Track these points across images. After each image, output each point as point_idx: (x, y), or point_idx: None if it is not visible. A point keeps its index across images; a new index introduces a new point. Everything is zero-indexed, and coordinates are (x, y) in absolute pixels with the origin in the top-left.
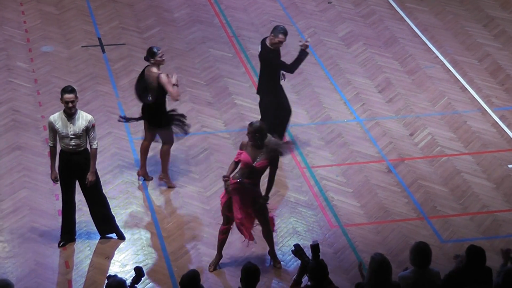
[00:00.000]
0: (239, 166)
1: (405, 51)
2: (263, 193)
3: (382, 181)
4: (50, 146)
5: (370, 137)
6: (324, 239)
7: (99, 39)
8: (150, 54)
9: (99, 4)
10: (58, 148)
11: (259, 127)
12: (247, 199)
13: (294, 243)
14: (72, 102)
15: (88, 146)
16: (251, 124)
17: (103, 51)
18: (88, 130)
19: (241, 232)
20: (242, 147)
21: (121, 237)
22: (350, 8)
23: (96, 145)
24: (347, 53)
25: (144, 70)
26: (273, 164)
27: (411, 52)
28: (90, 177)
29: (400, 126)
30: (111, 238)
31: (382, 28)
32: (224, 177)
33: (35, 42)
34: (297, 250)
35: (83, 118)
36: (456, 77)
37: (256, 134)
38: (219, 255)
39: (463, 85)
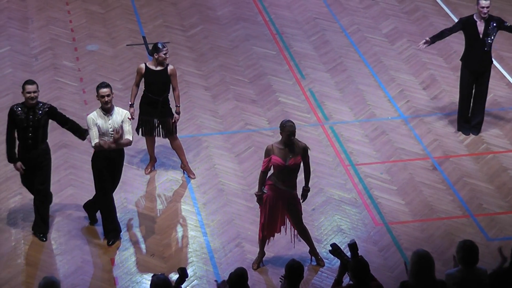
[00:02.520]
0: (272, 171)
1: (450, 47)
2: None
3: (427, 178)
4: (95, 145)
5: (414, 134)
6: (368, 237)
7: (144, 37)
8: (154, 49)
9: (143, 2)
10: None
11: (294, 125)
12: (281, 202)
13: (338, 240)
14: (108, 96)
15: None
16: (289, 124)
17: (148, 49)
18: (123, 122)
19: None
20: (268, 152)
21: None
22: (394, 4)
23: (131, 138)
24: (391, 50)
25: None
26: (305, 156)
27: (455, 48)
28: (118, 135)
29: (445, 123)
30: (156, 233)
31: (426, 24)
32: (256, 194)
33: (81, 41)
34: (335, 250)
35: (118, 113)
36: (502, 73)
37: (294, 133)
38: (262, 253)
39: (510, 81)
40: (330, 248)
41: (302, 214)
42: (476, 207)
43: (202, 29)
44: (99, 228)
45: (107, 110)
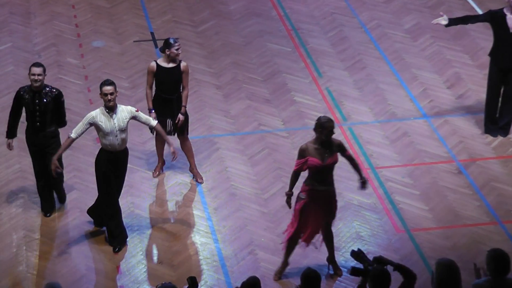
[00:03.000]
0: (308, 174)
1: (476, 44)
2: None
3: (451, 182)
4: (71, 137)
5: (438, 136)
6: (389, 244)
7: (152, 33)
8: (166, 45)
9: None
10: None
11: (334, 123)
12: (320, 203)
13: (357, 248)
14: (111, 94)
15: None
16: (329, 122)
17: (156, 46)
18: (136, 117)
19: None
20: (302, 153)
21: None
22: None
23: (154, 121)
24: (413, 46)
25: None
26: (344, 151)
27: (482, 45)
28: (173, 148)
29: (471, 124)
30: (164, 240)
31: None
32: (287, 193)
33: (86, 37)
34: (357, 254)
35: (123, 110)
36: None
37: (333, 132)
38: (286, 263)
39: None
40: (355, 250)
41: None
42: (504, 213)
43: (213, 24)
44: (104, 234)
45: (110, 109)
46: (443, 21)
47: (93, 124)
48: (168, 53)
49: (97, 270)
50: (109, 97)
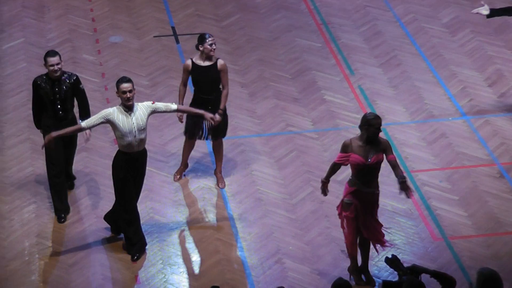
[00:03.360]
0: (351, 172)
1: None
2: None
3: (493, 187)
4: (81, 125)
5: (478, 137)
6: (426, 253)
7: (173, 28)
8: (199, 40)
9: None
10: (98, 146)
11: (381, 120)
12: (364, 206)
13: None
14: (130, 92)
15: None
16: (376, 119)
17: (177, 41)
18: (155, 110)
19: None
20: (345, 148)
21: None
22: None
23: (174, 104)
24: (452, 41)
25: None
26: (390, 153)
27: None
28: (208, 115)
29: None
30: (184, 247)
31: None
32: (322, 180)
33: (103, 32)
34: (393, 261)
35: (141, 108)
36: None
37: (380, 128)
38: (356, 265)
39: None
40: (389, 256)
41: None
42: None
43: (239, 18)
44: (122, 241)
45: (128, 108)
46: (484, 11)
47: (108, 121)
48: (201, 49)
49: (114, 280)
50: (128, 95)
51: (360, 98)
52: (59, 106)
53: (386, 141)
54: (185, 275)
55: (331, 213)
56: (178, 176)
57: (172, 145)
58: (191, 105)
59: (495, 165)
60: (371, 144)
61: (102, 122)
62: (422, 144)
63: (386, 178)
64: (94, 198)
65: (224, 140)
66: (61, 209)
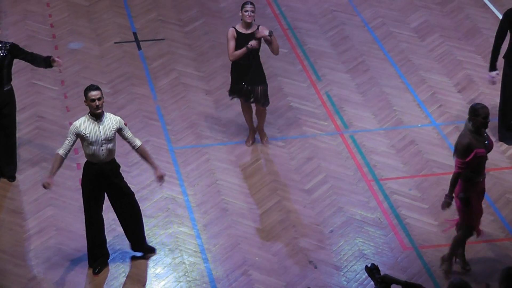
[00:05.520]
0: (476, 163)
1: (489, 43)
2: None
3: None
4: (59, 154)
5: (448, 144)
6: (395, 263)
7: (135, 33)
8: (241, 7)
9: None
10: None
11: (487, 107)
12: (480, 195)
13: (360, 268)
14: (99, 99)
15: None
16: (483, 107)
17: (139, 47)
18: (122, 130)
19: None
20: (468, 147)
21: (152, 251)
22: None
23: (139, 141)
24: (421, 46)
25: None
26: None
27: None
28: (160, 172)
29: None
30: (147, 259)
31: (462, 17)
32: (448, 198)
33: (62, 38)
34: (371, 269)
35: (111, 119)
36: None
37: (488, 117)
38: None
39: None
40: (369, 265)
41: None
42: None
43: (203, 23)
44: (84, 255)
45: (97, 116)
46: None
47: (78, 135)
48: (241, 15)
49: None
50: (96, 102)
51: (328, 105)
52: None
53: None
54: None
55: (298, 223)
56: (250, 142)
57: (135, 155)
58: (232, 72)
59: None
60: (481, 133)
61: (75, 140)
62: (391, 151)
63: (354, 186)
64: (54, 210)
65: (188, 149)
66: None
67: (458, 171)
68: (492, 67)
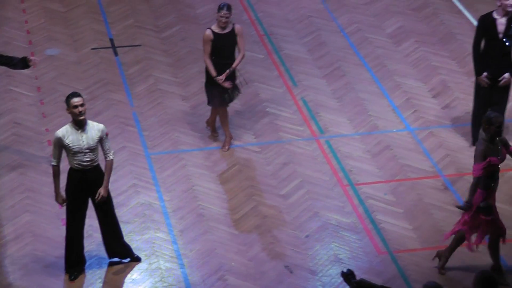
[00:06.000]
0: (486, 174)
1: (464, 49)
2: None
3: (437, 199)
4: (53, 165)
5: (423, 149)
6: (370, 267)
7: (111, 40)
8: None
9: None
10: (64, 167)
11: (501, 116)
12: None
13: (336, 272)
14: (81, 105)
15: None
16: (497, 116)
17: (116, 53)
18: (102, 140)
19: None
20: (484, 154)
21: (137, 259)
22: (400, 0)
23: (112, 156)
24: (396, 52)
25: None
26: (509, 147)
27: (471, 50)
28: (103, 191)
29: (458, 136)
30: (123, 264)
31: (437, 22)
32: (466, 204)
33: (39, 44)
34: (347, 275)
35: (94, 128)
36: None
37: (501, 126)
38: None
39: None
40: (345, 271)
41: None
42: None
43: (179, 29)
44: (60, 261)
45: (80, 124)
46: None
47: (62, 145)
48: (216, 18)
49: None
50: (79, 109)
51: (303, 110)
52: None
53: (503, 136)
54: None
55: (274, 228)
56: (227, 147)
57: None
58: (207, 70)
59: (439, 177)
60: (495, 142)
61: (61, 150)
62: (366, 156)
63: (330, 191)
64: (31, 216)
65: (165, 155)
66: None
67: (477, 175)
68: (479, 72)
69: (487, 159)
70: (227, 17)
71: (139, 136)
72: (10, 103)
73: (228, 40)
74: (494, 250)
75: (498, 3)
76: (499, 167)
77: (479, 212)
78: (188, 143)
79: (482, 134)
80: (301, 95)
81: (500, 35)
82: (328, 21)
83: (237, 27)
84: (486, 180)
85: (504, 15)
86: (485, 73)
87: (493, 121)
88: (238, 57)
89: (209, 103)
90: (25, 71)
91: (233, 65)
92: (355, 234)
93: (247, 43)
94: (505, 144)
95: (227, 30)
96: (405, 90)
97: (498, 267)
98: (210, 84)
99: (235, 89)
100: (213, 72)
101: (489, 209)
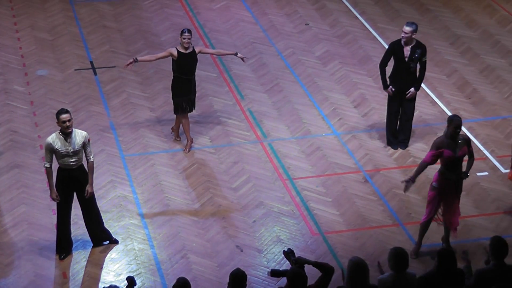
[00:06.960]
0: (441, 164)
1: (378, 68)
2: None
3: (359, 190)
4: (47, 167)
5: (347, 149)
6: (306, 246)
7: (91, 62)
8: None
9: (90, 29)
10: (54, 167)
11: (461, 119)
12: (453, 191)
13: (278, 250)
14: (69, 121)
15: (83, 161)
16: (456, 118)
17: (95, 73)
18: (85, 145)
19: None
20: (439, 145)
21: (115, 242)
22: (326, 29)
23: (92, 158)
24: (324, 71)
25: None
26: (470, 146)
27: None
28: (89, 188)
29: (375, 138)
30: (104, 246)
31: (356, 47)
32: (407, 180)
33: (31, 66)
34: (288, 253)
35: (79, 135)
36: (426, 91)
37: (460, 126)
38: (420, 244)
39: (433, 99)
40: (286, 250)
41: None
42: (405, 216)
43: (147, 53)
44: (51, 244)
45: (67, 134)
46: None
47: (52, 150)
48: (179, 40)
49: (45, 277)
50: (67, 123)
51: (250, 119)
52: None
53: (467, 137)
54: (106, 270)
55: (227, 215)
56: (188, 149)
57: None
58: (175, 86)
59: (360, 172)
60: (455, 140)
61: (52, 154)
62: (301, 156)
63: (272, 184)
64: (26, 207)
65: (136, 156)
66: None
67: (426, 161)
68: (386, 86)
69: (441, 150)
70: (189, 39)
71: (115, 141)
72: (8, 115)
73: (191, 59)
74: (421, 229)
75: (402, 34)
76: (458, 161)
77: (430, 189)
78: (156, 146)
79: (445, 130)
80: (248, 107)
81: (406, 59)
82: (268, 46)
83: (197, 48)
84: (442, 168)
85: (406, 44)
86: (390, 86)
87: (453, 122)
88: (222, 51)
89: (175, 112)
90: (19, 88)
91: (223, 53)
92: (293, 219)
93: (203, 65)
94: (468, 144)
95: (189, 50)
96: (332, 102)
97: (420, 244)
98: (176, 96)
99: (194, 102)
100: (140, 58)
101: (433, 189)
